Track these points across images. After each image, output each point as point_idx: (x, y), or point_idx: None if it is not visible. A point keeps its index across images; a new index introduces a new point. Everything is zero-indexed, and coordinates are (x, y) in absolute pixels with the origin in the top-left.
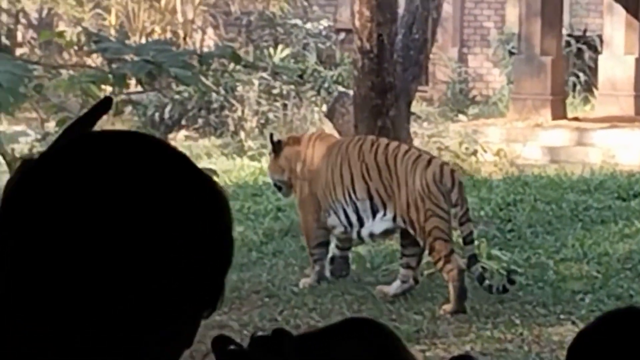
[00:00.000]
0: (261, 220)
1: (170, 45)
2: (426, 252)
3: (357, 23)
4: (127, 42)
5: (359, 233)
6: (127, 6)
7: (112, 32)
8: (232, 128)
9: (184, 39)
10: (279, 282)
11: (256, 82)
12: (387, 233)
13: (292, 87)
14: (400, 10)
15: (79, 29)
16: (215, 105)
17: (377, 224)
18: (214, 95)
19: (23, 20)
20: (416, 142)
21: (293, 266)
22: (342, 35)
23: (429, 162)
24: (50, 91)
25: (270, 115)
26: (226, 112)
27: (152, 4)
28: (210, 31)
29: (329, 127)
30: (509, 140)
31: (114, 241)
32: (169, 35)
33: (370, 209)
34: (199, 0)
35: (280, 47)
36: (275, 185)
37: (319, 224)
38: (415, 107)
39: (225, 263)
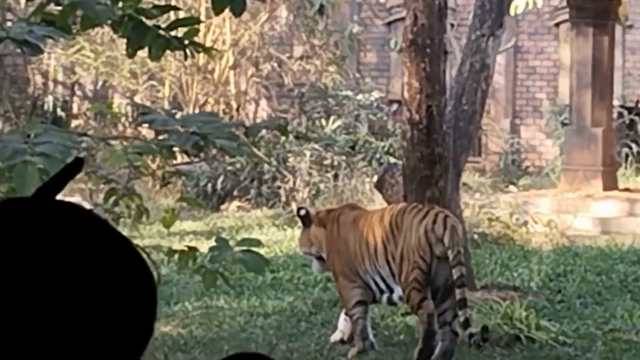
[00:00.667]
0: (310, 291)
1: (218, 117)
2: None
3: (406, 94)
4: (179, 113)
5: (390, 299)
6: (180, 78)
7: (166, 103)
8: (283, 199)
9: (237, 110)
10: (327, 352)
11: (308, 153)
12: None
13: (344, 158)
14: (449, 81)
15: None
16: (267, 176)
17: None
18: (266, 166)
19: (78, 92)
20: (467, 213)
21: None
22: (395, 106)
23: (426, 214)
24: (100, 163)
25: (322, 186)
26: (278, 183)
27: (206, 76)
28: (263, 102)
29: (379, 198)
30: (560, 211)
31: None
32: (222, 106)
33: (391, 274)
34: (252, 71)
35: (332, 118)
36: (306, 255)
37: (355, 285)
38: (468, 177)
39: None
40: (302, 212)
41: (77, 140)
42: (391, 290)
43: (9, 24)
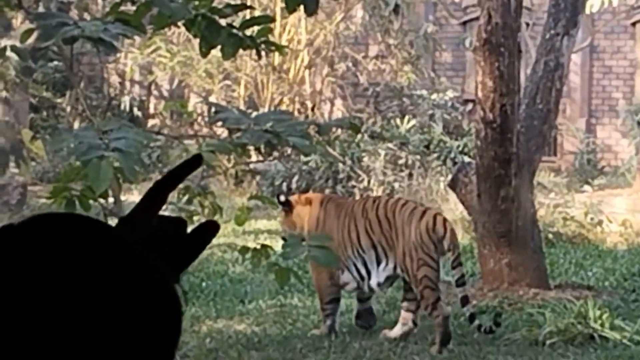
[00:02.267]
0: (384, 290)
1: (291, 115)
2: None
3: (480, 94)
4: (255, 113)
5: (369, 285)
6: (256, 78)
7: (241, 103)
8: (358, 198)
9: (312, 109)
10: (400, 350)
11: (382, 152)
12: (389, 280)
13: (418, 157)
14: (524, 80)
15: (208, 99)
16: (341, 176)
17: (381, 273)
18: (340, 165)
19: (155, 92)
20: (541, 212)
21: (414, 336)
22: (469, 105)
23: (424, 213)
24: (173, 161)
25: (396, 185)
26: (352, 182)
27: (281, 76)
28: (338, 102)
29: (453, 198)
30: (635, 211)
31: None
32: (297, 106)
33: (376, 259)
34: (327, 71)
35: (407, 117)
36: (283, 239)
37: (332, 282)
38: (543, 177)
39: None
40: (282, 197)
41: (151, 137)
42: (369, 276)
43: (71, 23)
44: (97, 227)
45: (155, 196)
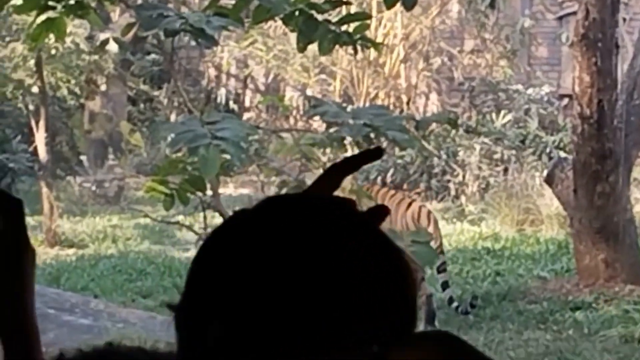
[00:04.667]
0: (479, 284)
1: (388, 110)
2: None
3: (577, 89)
4: (350, 107)
5: None
6: (351, 72)
7: (337, 97)
8: (453, 192)
9: (407, 104)
10: (495, 346)
11: (478, 147)
12: None
13: (513, 152)
14: (621, 76)
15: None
16: (436, 170)
17: None
18: (435, 159)
19: (250, 85)
20: (637, 208)
21: (510, 331)
22: (565, 100)
23: (410, 204)
24: (271, 155)
25: (491, 180)
26: (447, 176)
27: (376, 70)
28: (433, 96)
29: (548, 193)
30: None
31: (298, 302)
32: (392, 100)
33: None
34: (422, 65)
35: (502, 112)
36: None
37: None
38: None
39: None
40: None
41: (253, 129)
42: None
43: (173, 15)
44: (338, 204)
45: (330, 179)
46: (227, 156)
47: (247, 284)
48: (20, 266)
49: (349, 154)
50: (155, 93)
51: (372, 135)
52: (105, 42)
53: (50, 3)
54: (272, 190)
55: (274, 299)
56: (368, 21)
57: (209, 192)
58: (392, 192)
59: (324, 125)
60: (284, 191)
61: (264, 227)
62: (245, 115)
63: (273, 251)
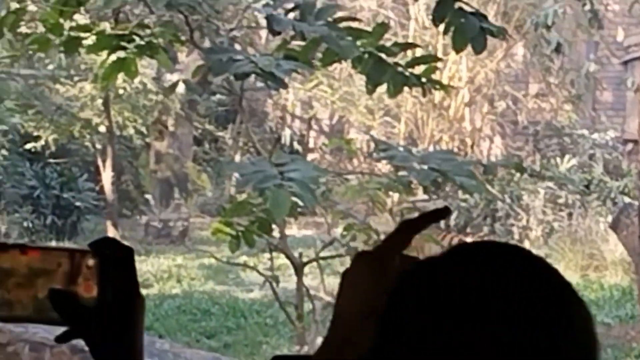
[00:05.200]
0: None
1: (455, 154)
2: None
3: None
4: (414, 149)
5: None
6: (416, 114)
7: (401, 139)
8: (516, 236)
9: (472, 147)
10: None
11: (542, 191)
12: None
13: (578, 197)
14: None
15: (368, 136)
16: (500, 214)
17: None
18: (499, 203)
19: (315, 127)
20: None
21: None
22: (630, 146)
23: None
24: (337, 197)
25: (555, 224)
26: (511, 220)
27: (441, 113)
28: (497, 140)
29: (613, 238)
30: None
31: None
32: (456, 143)
33: None
34: (487, 109)
35: (566, 156)
36: None
37: None
38: None
39: None
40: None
41: (324, 172)
42: None
43: (244, 58)
44: (521, 253)
45: (401, 235)
46: (295, 198)
47: (445, 332)
48: (131, 314)
49: (415, 198)
50: (220, 133)
51: (440, 180)
52: (175, 84)
53: (122, 43)
54: (337, 233)
55: (476, 348)
56: (436, 64)
57: (274, 234)
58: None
59: (388, 167)
60: (351, 234)
61: (460, 274)
62: (309, 157)
63: (474, 299)
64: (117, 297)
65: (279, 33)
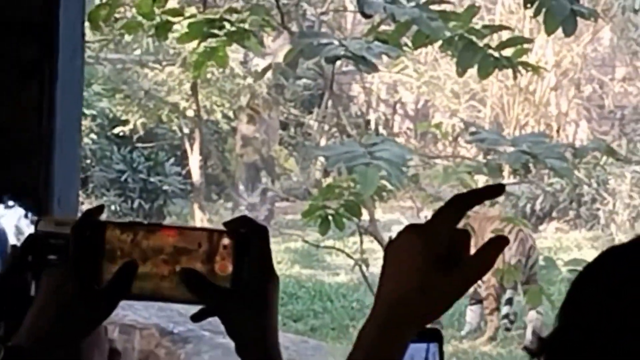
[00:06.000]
0: None
1: (547, 137)
2: None
3: None
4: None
5: None
6: (502, 98)
7: (487, 123)
8: (602, 221)
9: (557, 131)
10: None
11: (628, 175)
12: None
13: None
14: None
15: (454, 119)
16: (586, 198)
17: None
18: (585, 187)
19: (400, 111)
20: None
21: None
22: None
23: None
24: (425, 181)
25: None
26: (597, 205)
27: (527, 97)
28: (583, 124)
29: None
30: None
31: None
32: (542, 127)
33: None
34: (573, 93)
35: None
36: None
37: None
38: None
39: None
40: None
41: (412, 152)
42: None
43: (336, 42)
44: None
45: (452, 210)
46: (384, 181)
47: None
48: (266, 293)
49: (505, 181)
50: (306, 118)
51: (529, 163)
52: (267, 68)
53: (212, 31)
54: (423, 217)
55: None
56: (527, 45)
57: (363, 218)
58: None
59: (473, 151)
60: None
61: None
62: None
63: None
64: (253, 276)
65: (370, 16)
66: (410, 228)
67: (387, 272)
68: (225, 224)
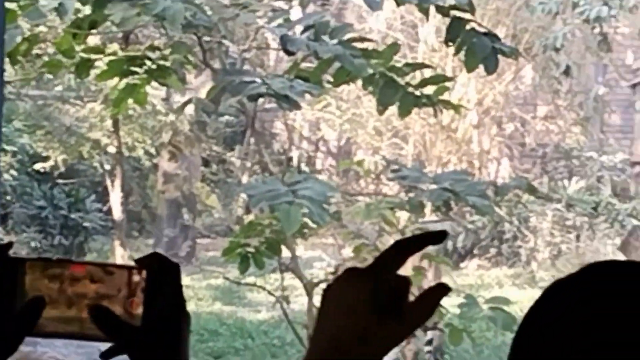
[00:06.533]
0: None
1: (469, 175)
2: None
3: None
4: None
5: None
6: (424, 136)
7: (409, 160)
8: (524, 259)
9: (479, 169)
10: None
11: (550, 213)
12: None
13: (586, 219)
14: None
15: (376, 157)
16: (508, 236)
17: None
18: (506, 225)
19: (323, 148)
20: None
21: None
22: (638, 168)
23: None
24: (347, 218)
25: (563, 247)
26: (519, 242)
27: (449, 135)
28: (505, 162)
29: None
30: None
31: None
32: (464, 165)
33: None
34: (495, 131)
35: (574, 179)
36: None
37: None
38: None
39: None
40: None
41: (335, 190)
42: None
43: (258, 80)
44: None
45: (394, 256)
46: (306, 219)
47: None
48: (178, 331)
49: (427, 218)
50: (228, 154)
51: (451, 200)
52: (188, 102)
53: (132, 68)
54: (344, 254)
55: None
56: (447, 84)
57: (284, 254)
58: None
59: (396, 188)
60: (361, 255)
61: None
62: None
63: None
64: (164, 313)
65: (293, 53)
66: (350, 272)
67: (324, 318)
68: (136, 260)
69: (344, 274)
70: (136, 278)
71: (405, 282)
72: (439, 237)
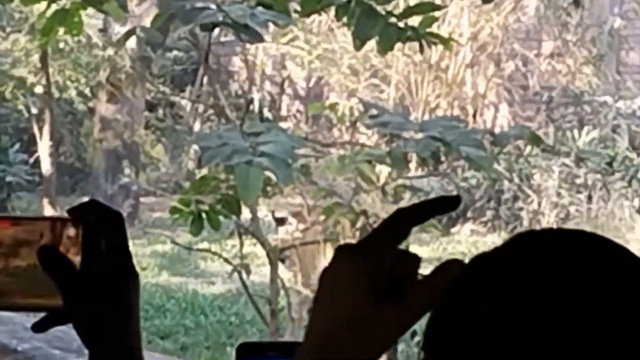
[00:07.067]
0: None
1: (462, 122)
2: None
3: None
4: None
5: None
6: (408, 76)
7: (390, 105)
8: (526, 222)
9: (474, 116)
10: None
11: (556, 169)
12: None
13: (599, 176)
14: None
15: (352, 101)
16: (507, 196)
17: None
18: (506, 183)
19: (289, 90)
20: None
21: None
22: None
23: None
24: (317, 173)
25: (572, 209)
26: (520, 203)
27: (438, 75)
28: (503, 108)
29: (639, 224)
30: None
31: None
32: (455, 111)
33: None
34: (492, 71)
35: (586, 128)
36: None
37: None
38: None
39: None
40: None
41: (302, 143)
42: None
43: (213, 6)
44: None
45: (395, 227)
46: (269, 173)
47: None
48: (124, 294)
49: (412, 174)
50: (177, 97)
51: (441, 151)
52: (130, 33)
53: None
54: (315, 215)
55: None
56: (436, 13)
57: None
58: None
59: (375, 138)
60: (333, 217)
61: (532, 264)
62: (282, 125)
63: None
64: (106, 270)
65: None
66: (342, 250)
67: (318, 305)
68: (69, 210)
69: (336, 251)
70: (72, 231)
71: (412, 259)
72: (452, 203)
